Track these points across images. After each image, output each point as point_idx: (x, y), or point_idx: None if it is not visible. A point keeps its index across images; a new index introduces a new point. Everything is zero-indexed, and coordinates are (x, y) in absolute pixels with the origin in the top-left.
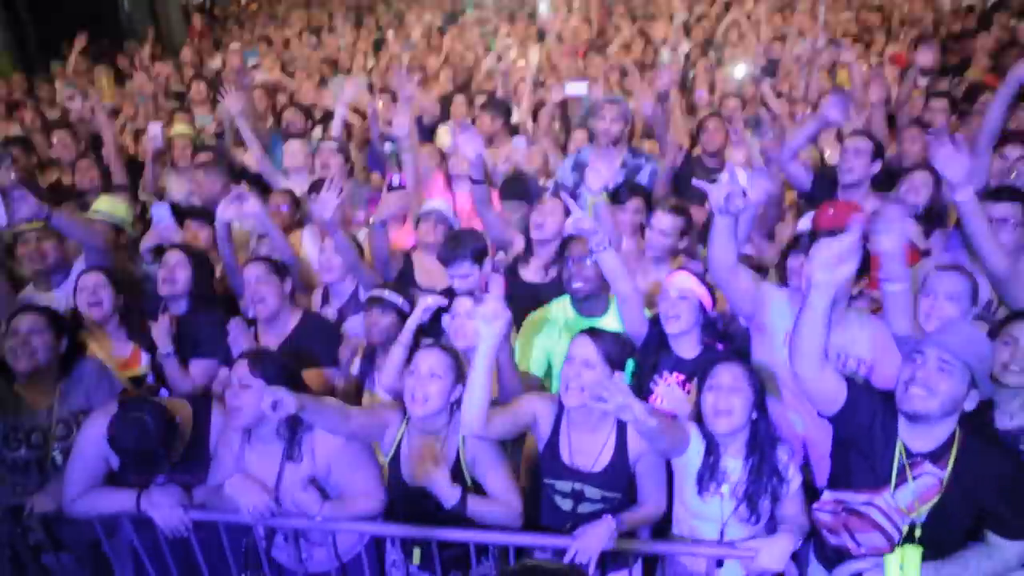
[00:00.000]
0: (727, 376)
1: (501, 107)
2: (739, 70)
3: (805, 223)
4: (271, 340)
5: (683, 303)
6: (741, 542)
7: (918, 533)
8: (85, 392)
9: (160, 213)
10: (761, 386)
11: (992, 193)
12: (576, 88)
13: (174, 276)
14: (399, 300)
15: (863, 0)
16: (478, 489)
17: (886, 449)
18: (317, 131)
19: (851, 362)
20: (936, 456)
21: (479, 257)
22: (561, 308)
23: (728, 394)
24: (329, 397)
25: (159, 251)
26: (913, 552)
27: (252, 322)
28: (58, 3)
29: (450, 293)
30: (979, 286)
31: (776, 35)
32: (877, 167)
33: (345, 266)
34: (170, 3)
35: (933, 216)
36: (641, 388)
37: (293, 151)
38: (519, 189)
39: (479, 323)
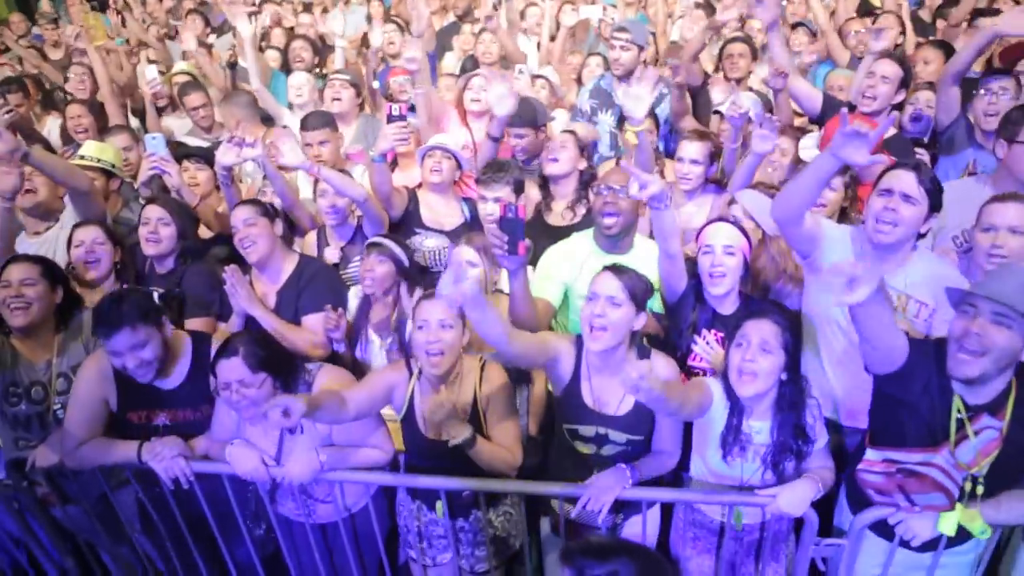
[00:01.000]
0: (756, 334)
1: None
2: None
3: (809, 143)
4: (267, 286)
5: (730, 259)
6: (760, 488)
7: (980, 491)
8: (84, 345)
9: (153, 144)
10: (796, 345)
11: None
12: (589, 11)
13: (158, 234)
14: (399, 251)
15: None
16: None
17: (942, 406)
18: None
19: (912, 304)
20: (994, 408)
21: (519, 188)
22: (584, 241)
23: (756, 353)
24: (325, 390)
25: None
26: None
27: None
28: None
29: (461, 232)
30: None
31: None
32: (901, 96)
33: (351, 206)
34: None
35: (942, 143)
36: (678, 346)
37: (299, 85)
38: (527, 115)
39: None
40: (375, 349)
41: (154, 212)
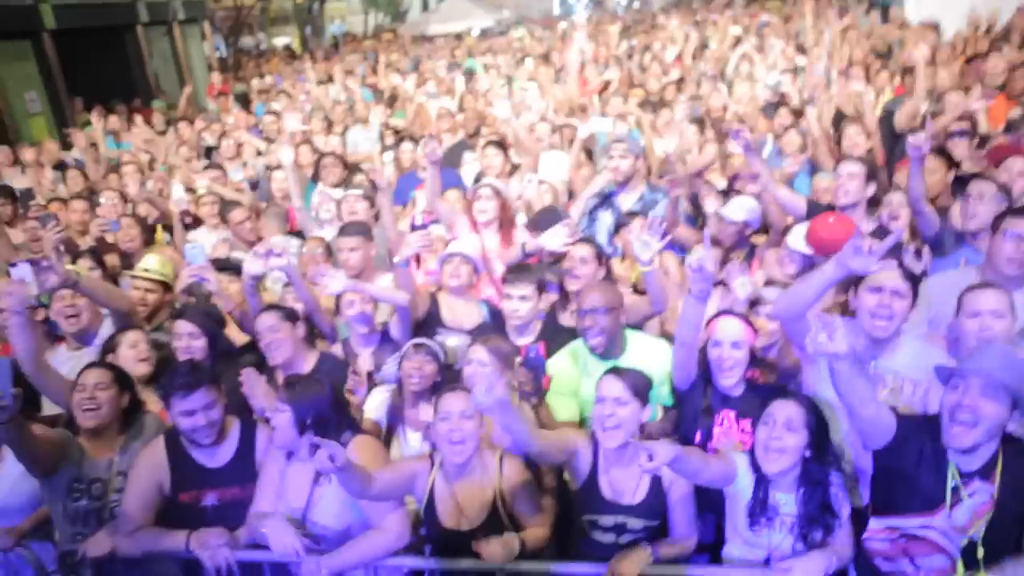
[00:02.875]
0: (782, 413)
1: (502, 145)
2: (771, 76)
3: (797, 238)
4: None
5: (737, 352)
6: (776, 562)
7: (980, 553)
8: (144, 445)
9: (193, 254)
10: (820, 425)
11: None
12: (601, 125)
13: (190, 347)
14: (439, 350)
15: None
16: (513, 520)
17: (937, 473)
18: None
19: (907, 385)
20: (985, 472)
21: (541, 288)
22: (579, 351)
23: (782, 431)
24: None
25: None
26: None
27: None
28: (91, 69)
29: (481, 330)
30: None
31: (787, 68)
32: (872, 190)
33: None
34: (195, 63)
35: (932, 247)
36: (688, 432)
37: (326, 202)
38: (551, 222)
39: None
40: (414, 446)
41: (184, 328)
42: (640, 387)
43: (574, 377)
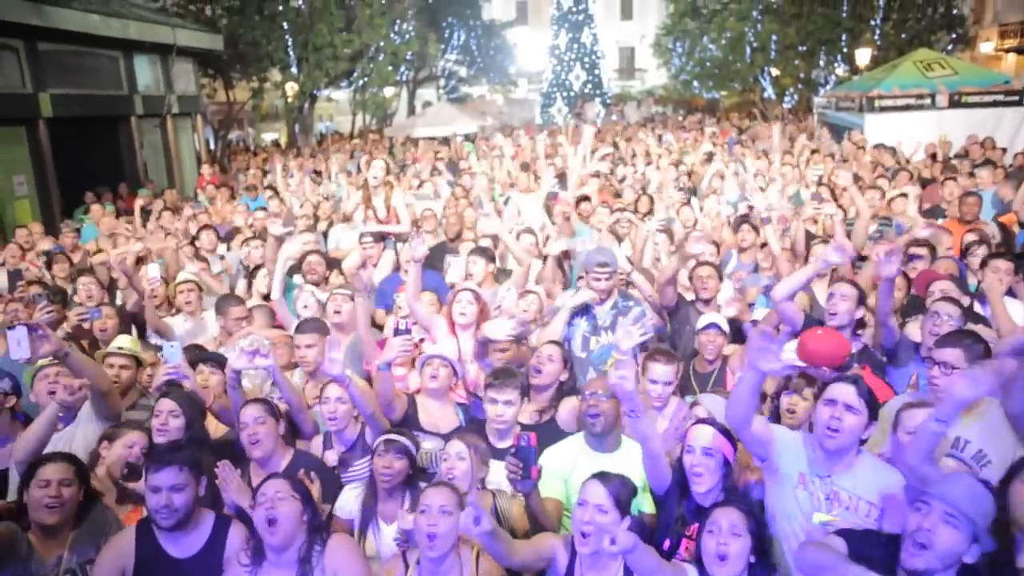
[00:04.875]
0: (725, 520)
1: (487, 253)
2: (732, 193)
3: (789, 352)
4: (262, 478)
5: (709, 460)
6: None
7: None
8: (96, 542)
9: (171, 352)
10: (761, 530)
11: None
12: (585, 244)
13: (167, 425)
14: (411, 446)
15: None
16: None
17: None
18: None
19: (863, 506)
20: None
21: (524, 393)
22: (576, 442)
23: (728, 537)
24: None
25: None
26: None
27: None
28: (82, 155)
29: (459, 433)
30: None
31: (756, 186)
32: (860, 313)
33: (353, 414)
34: (184, 154)
35: (888, 357)
36: (662, 536)
37: (308, 300)
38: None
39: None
40: (388, 539)
41: (166, 405)
42: (622, 497)
43: (567, 462)
